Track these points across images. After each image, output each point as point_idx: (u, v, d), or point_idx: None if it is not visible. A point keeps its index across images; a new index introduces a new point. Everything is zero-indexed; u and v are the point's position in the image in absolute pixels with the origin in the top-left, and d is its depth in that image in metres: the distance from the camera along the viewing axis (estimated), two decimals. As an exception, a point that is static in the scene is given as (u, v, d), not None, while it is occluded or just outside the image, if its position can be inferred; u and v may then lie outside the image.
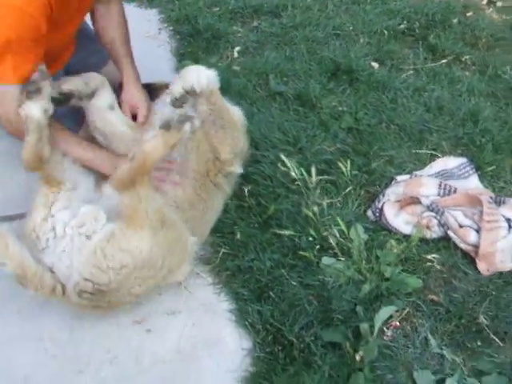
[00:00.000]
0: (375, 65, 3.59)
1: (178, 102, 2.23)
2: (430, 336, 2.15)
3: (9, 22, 2.05)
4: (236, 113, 2.49)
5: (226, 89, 3.14)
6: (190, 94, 2.22)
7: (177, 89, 2.21)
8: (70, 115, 2.49)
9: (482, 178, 2.81)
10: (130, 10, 4.09)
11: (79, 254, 1.97)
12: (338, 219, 2.34)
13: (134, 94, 2.51)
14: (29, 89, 2.03)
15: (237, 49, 3.72)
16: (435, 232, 2.48)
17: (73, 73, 2.77)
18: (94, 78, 2.35)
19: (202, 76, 2.22)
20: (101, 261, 1.95)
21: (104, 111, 2.37)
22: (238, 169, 2.43)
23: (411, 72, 3.57)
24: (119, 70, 2.61)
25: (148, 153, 1.96)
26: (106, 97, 2.37)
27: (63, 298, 2.03)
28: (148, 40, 3.82)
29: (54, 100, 2.14)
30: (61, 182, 2.11)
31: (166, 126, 2.00)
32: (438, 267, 2.40)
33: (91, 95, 2.34)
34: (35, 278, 1.97)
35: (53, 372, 2.05)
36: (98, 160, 2.28)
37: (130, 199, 1.96)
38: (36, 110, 2.01)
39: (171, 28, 3.96)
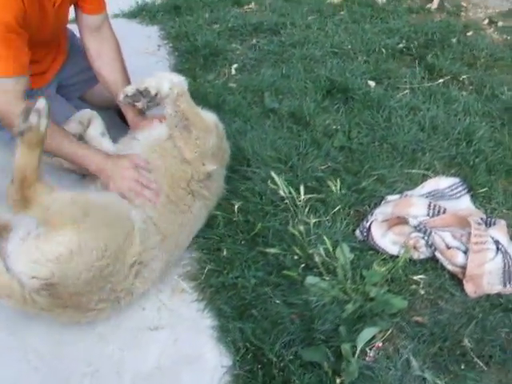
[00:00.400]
0: (372, 83, 3.60)
1: (129, 100, 2.45)
2: (412, 358, 2.13)
3: None
4: (209, 116, 2.56)
5: (220, 106, 3.19)
6: (144, 94, 2.40)
7: (130, 88, 2.43)
8: None
9: (474, 199, 2.79)
10: (132, 27, 4.23)
11: (19, 256, 2.00)
12: (325, 238, 2.34)
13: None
14: None
15: (234, 66, 3.75)
16: (423, 253, 2.47)
17: (67, 86, 2.88)
18: (85, 114, 2.68)
19: (163, 80, 2.40)
20: (37, 255, 1.96)
21: (97, 137, 2.63)
22: (209, 167, 2.44)
23: (407, 91, 3.57)
24: (123, 110, 2.70)
25: (20, 165, 1.99)
26: (97, 126, 2.65)
27: (35, 305, 2.04)
28: (147, 56, 3.87)
29: None
30: None
31: (19, 133, 1.99)
32: (425, 288, 2.38)
33: (87, 127, 2.65)
34: (6, 287, 2.00)
35: (35, 384, 2.06)
36: (87, 158, 2.40)
37: (36, 213, 1.99)
38: None
39: (170, 45, 4.02)
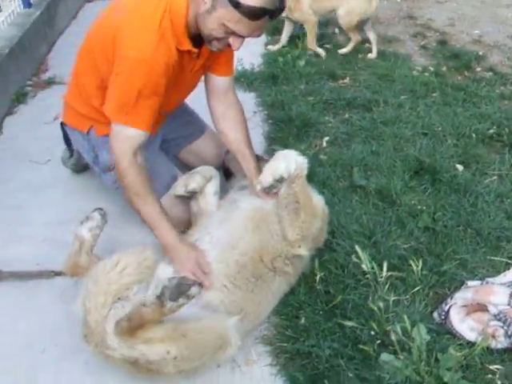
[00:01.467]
0: (460, 167, 3.63)
1: (268, 190, 2.50)
2: None
3: (139, 74, 2.34)
4: (318, 202, 2.63)
5: (310, 177, 3.28)
6: (280, 181, 2.46)
7: (267, 179, 2.46)
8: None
9: (558, 292, 2.75)
10: (230, 92, 4.40)
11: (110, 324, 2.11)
12: (404, 316, 2.36)
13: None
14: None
15: (326, 139, 3.88)
16: (500, 342, 2.45)
17: (168, 141, 3.08)
18: (209, 171, 2.79)
19: (291, 163, 2.46)
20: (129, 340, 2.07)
21: (210, 195, 2.74)
22: (303, 251, 2.51)
23: (495, 178, 3.58)
24: (244, 167, 2.81)
25: (143, 317, 2.05)
26: (214, 185, 2.76)
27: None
28: (242, 121, 4.04)
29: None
30: None
31: (157, 298, 2.04)
32: (501, 379, 2.33)
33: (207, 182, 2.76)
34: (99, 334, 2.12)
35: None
36: (164, 231, 2.49)
37: (139, 341, 2.06)
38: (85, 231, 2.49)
39: (265, 112, 4.19)
